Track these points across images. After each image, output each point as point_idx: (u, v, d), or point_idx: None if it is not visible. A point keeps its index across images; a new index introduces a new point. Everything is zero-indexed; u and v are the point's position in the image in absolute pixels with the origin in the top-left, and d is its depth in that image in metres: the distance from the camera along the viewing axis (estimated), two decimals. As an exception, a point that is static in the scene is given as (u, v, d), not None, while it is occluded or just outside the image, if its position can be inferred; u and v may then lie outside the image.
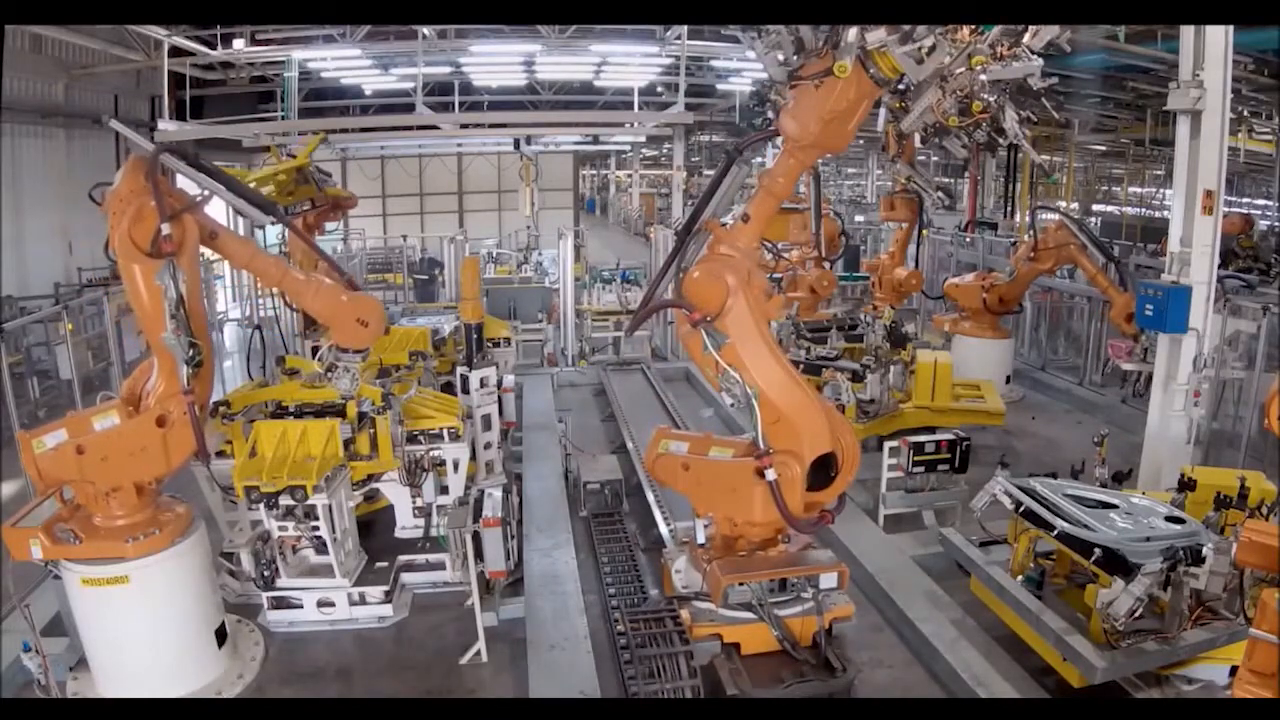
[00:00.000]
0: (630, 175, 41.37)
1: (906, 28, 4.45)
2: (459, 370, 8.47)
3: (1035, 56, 6.49)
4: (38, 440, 5.10)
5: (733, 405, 5.24)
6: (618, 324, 14.66)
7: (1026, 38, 6.28)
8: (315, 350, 8.08)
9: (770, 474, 5.14)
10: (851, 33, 4.58)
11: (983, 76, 6.14)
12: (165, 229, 4.92)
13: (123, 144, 16.99)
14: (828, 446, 5.33)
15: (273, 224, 6.14)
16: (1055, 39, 6.47)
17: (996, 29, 5.18)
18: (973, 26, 5.10)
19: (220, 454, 6.46)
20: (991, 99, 6.52)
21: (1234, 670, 3.96)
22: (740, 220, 5.35)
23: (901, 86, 5.09)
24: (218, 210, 5.68)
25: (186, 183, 5.58)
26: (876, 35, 4.49)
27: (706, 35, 15.95)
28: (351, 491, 6.57)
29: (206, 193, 5.38)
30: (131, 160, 5.12)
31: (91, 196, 5.25)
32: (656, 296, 5.60)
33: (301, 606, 6.47)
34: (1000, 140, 6.59)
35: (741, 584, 5.41)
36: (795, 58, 4.89)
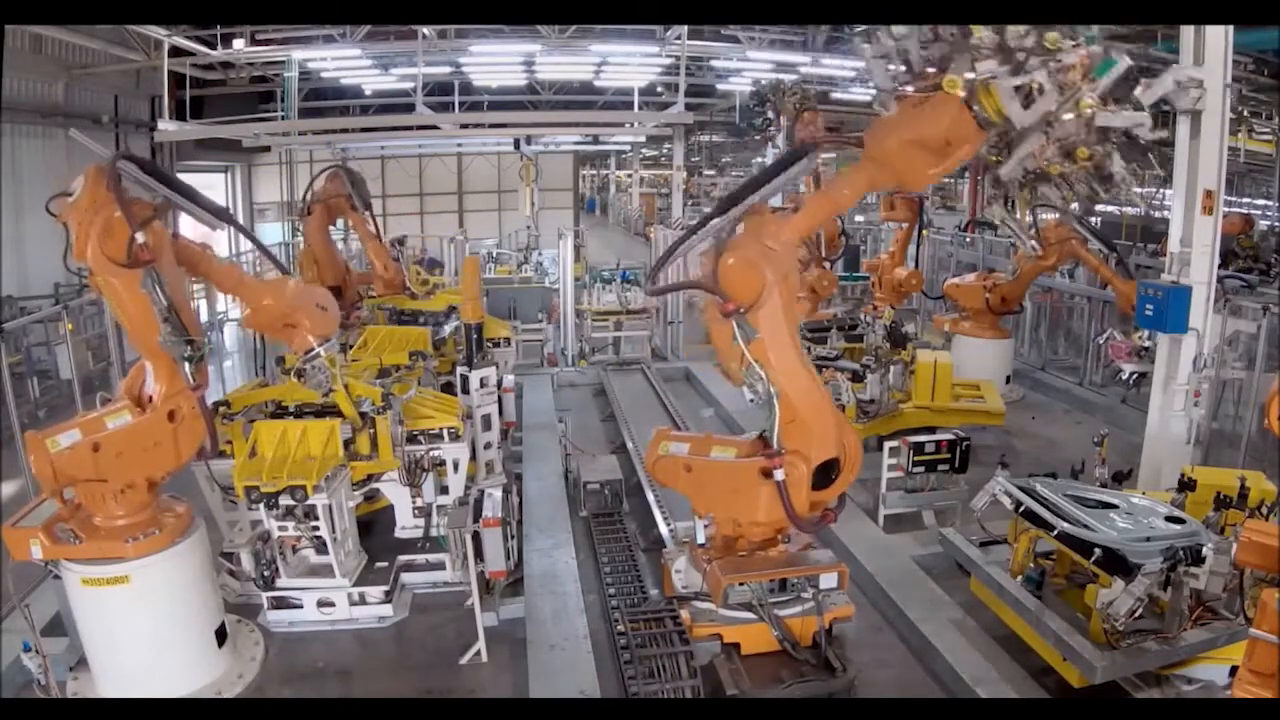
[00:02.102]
0: (630, 175, 41.39)
1: (1020, 58, 4.19)
2: (459, 370, 8.46)
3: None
4: (51, 440, 5.07)
5: (752, 401, 5.15)
6: (618, 324, 14.67)
7: (1138, 90, 5.86)
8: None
9: (779, 474, 5.10)
10: (961, 60, 4.33)
11: (1090, 123, 5.61)
12: (140, 237, 4.83)
13: (122, 143, 16.99)
14: (833, 453, 5.31)
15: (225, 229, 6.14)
16: (1167, 94, 6.00)
17: (1109, 78, 4.94)
18: (1084, 72, 4.86)
19: (220, 454, 6.45)
20: (1099, 147, 5.94)
21: (1234, 670, 3.96)
22: (791, 213, 5.22)
23: (995, 139, 4.80)
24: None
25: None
26: (987, 65, 4.24)
27: (706, 35, 15.95)
28: (351, 491, 6.57)
29: (161, 199, 5.26)
30: (90, 170, 4.94)
31: (48, 209, 5.05)
32: (676, 269, 5.37)
33: (301, 606, 6.46)
34: (1102, 192, 6.02)
35: (741, 584, 5.42)
36: (904, 72, 4.66)
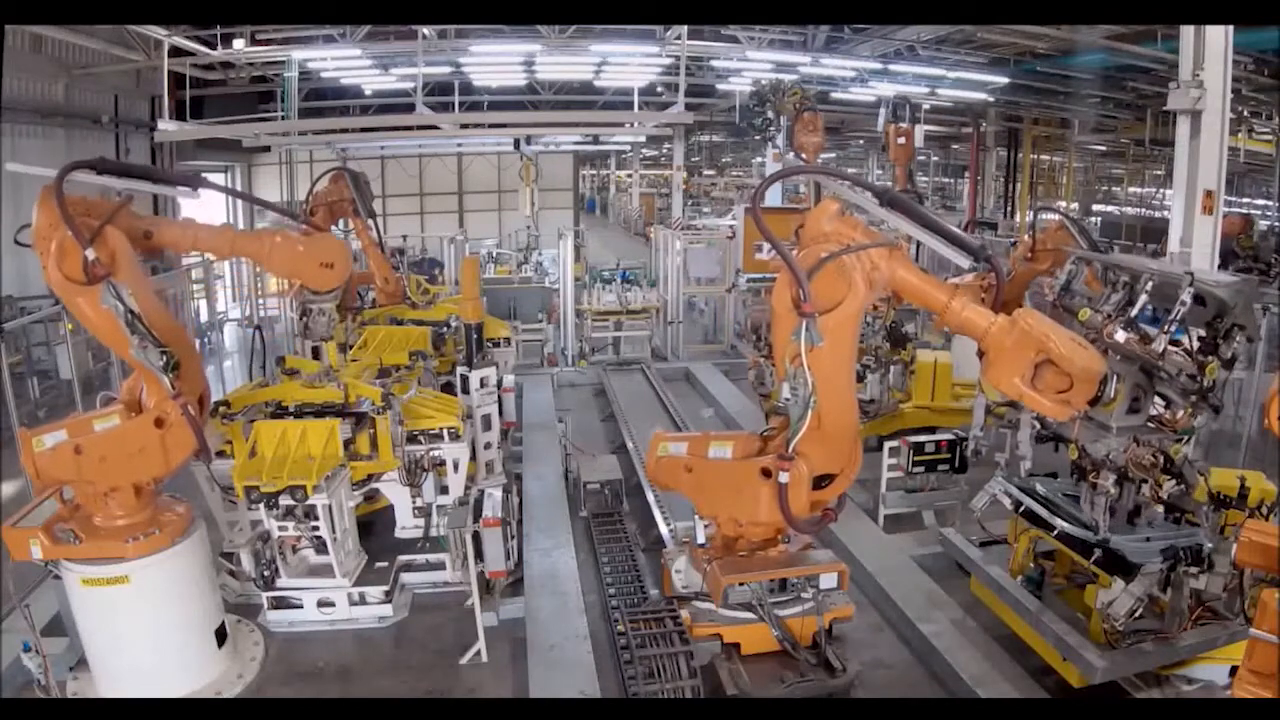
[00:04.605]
0: (630, 175, 41.39)
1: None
2: (459, 370, 8.46)
3: None
4: (37, 439, 5.09)
5: (786, 401, 5.05)
6: (618, 324, 14.68)
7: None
8: (315, 351, 8.05)
9: (784, 477, 5.02)
10: None
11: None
12: (90, 254, 4.72)
13: (123, 144, 16.99)
14: (837, 471, 5.28)
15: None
16: None
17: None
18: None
19: (220, 454, 6.45)
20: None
21: (1234, 670, 3.95)
22: (904, 242, 5.28)
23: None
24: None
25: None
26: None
27: (706, 35, 15.95)
28: (351, 491, 6.57)
29: (127, 193, 5.21)
30: (42, 193, 4.82)
31: (18, 240, 4.97)
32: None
33: (301, 606, 6.47)
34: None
35: (741, 584, 5.42)
36: None
